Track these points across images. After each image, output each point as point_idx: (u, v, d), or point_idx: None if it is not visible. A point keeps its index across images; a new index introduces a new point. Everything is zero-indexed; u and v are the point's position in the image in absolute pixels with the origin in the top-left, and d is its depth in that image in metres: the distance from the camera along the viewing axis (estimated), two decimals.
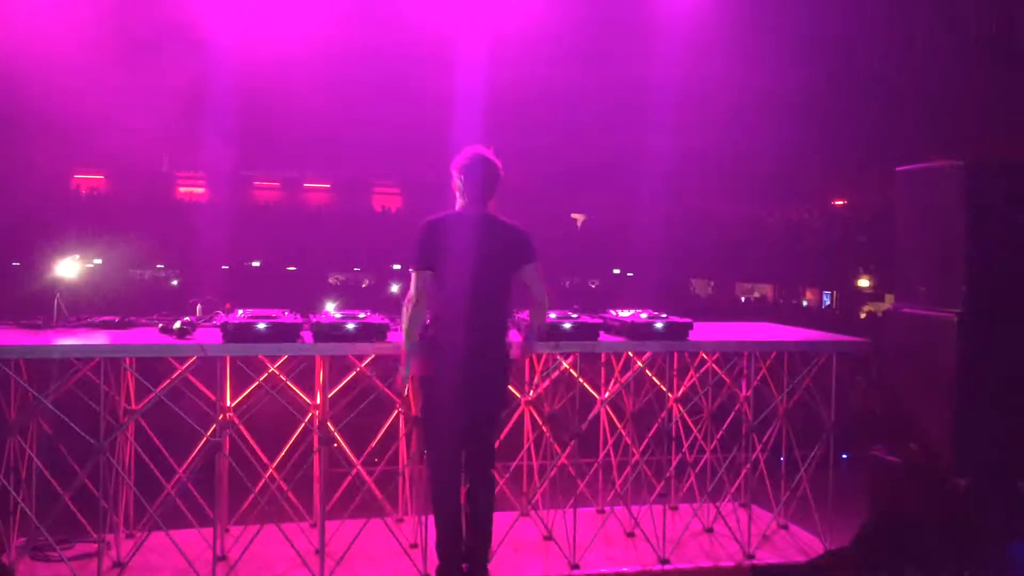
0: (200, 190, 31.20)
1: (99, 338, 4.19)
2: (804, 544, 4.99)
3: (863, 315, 19.69)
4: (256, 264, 27.56)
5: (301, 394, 4.92)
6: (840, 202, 26.20)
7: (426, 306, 4.01)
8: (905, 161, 4.86)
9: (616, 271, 28.62)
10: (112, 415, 4.33)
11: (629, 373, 5.22)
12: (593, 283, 26.40)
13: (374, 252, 28.36)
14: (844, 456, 7.06)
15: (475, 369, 4.02)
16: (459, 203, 4.19)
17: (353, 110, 22.78)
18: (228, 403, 4.45)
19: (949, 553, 4.16)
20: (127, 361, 4.35)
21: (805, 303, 25.82)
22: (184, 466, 4.49)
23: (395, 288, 19.68)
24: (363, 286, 18.78)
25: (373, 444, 5.04)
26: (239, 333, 4.09)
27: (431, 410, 4.15)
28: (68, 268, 4.73)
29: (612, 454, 5.25)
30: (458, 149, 4.26)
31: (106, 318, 4.57)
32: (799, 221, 26.27)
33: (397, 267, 27.80)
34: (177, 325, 4.20)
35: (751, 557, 4.78)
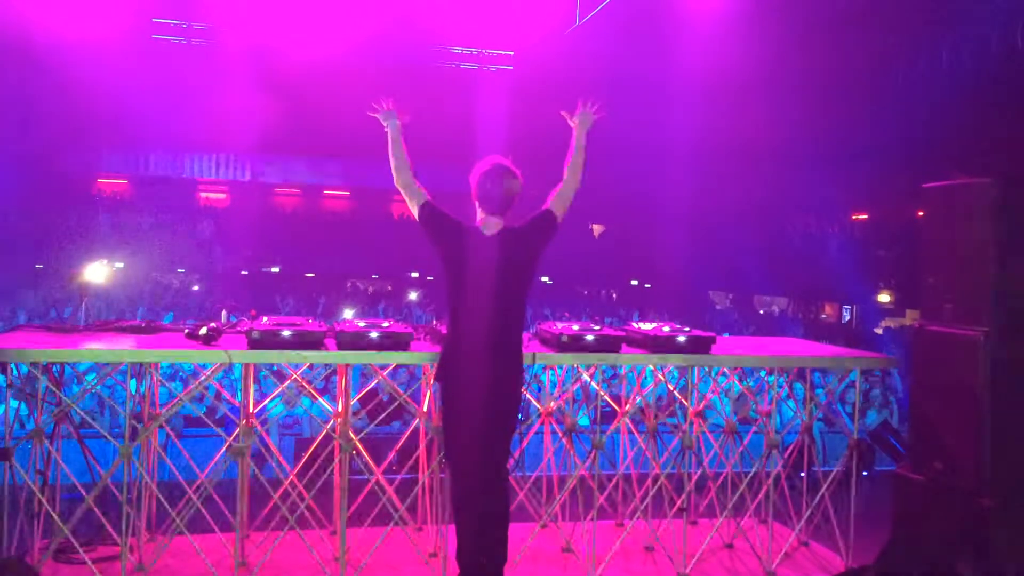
0: (221, 195, 31.42)
1: (125, 343, 4.23)
2: (825, 562, 4.95)
3: (879, 330, 19.53)
4: (275, 270, 27.69)
5: (323, 401, 4.96)
6: (861, 216, 26.06)
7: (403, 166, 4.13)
8: (926, 176, 4.83)
9: (634, 282, 28.55)
10: (137, 419, 4.37)
11: (650, 386, 5.22)
12: (612, 293, 26.36)
13: (393, 259, 28.45)
14: (864, 473, 7.02)
15: (489, 383, 4.02)
16: (478, 215, 4.17)
17: (375, 120, 22.89)
18: (251, 409, 4.47)
19: (972, 573, 4.12)
20: (153, 366, 4.39)
21: (824, 316, 25.66)
22: (206, 471, 4.52)
23: (413, 296, 19.72)
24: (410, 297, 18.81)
25: (393, 452, 5.06)
26: (264, 340, 4.12)
27: (448, 421, 4.16)
28: (95, 272, 4.78)
29: (632, 467, 5.23)
30: (478, 158, 4.23)
31: (132, 323, 4.62)
32: (819, 235, 26.13)
33: (415, 275, 27.87)
34: (203, 331, 4.23)
35: (772, 574, 4.75)
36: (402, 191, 4.15)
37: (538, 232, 4.16)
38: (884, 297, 22.46)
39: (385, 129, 4.21)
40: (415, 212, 4.14)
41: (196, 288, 22.73)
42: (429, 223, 4.11)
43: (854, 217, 26.50)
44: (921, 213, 4.91)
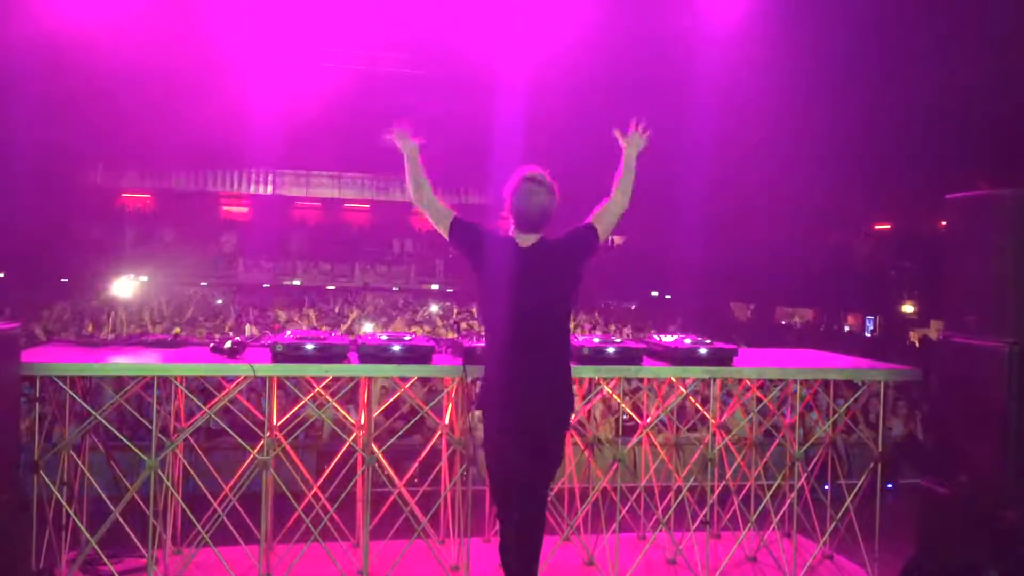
0: (243, 209, 31.72)
1: (151, 357, 4.28)
2: (850, 575, 4.92)
3: (907, 343, 19.34)
4: (296, 282, 27.89)
5: (345, 414, 5.00)
6: (884, 226, 25.88)
7: (425, 186, 3.92)
8: (952, 186, 4.80)
9: (654, 293, 28.50)
10: (163, 432, 4.41)
11: (672, 398, 5.21)
12: (631, 305, 26.31)
13: (412, 271, 28.57)
14: (889, 485, 6.96)
15: (541, 415, 3.76)
16: (512, 229, 3.91)
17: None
18: (275, 422, 4.51)
19: None
20: (178, 379, 4.43)
21: (848, 327, 25.48)
22: (231, 483, 4.56)
23: (434, 308, 19.78)
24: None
25: (415, 465, 5.08)
26: (288, 353, 4.15)
27: (496, 458, 3.85)
28: (122, 287, 4.85)
29: (654, 479, 5.22)
30: (499, 171, 4.10)
31: (158, 337, 4.68)
32: (842, 245, 25.98)
33: (435, 287, 27.96)
34: (228, 345, 4.27)
35: None
36: (425, 212, 3.94)
37: (578, 245, 3.89)
38: (908, 308, 22.28)
39: (401, 152, 4.01)
40: (444, 231, 3.90)
41: (220, 301, 22.92)
42: (461, 239, 3.88)
43: (877, 227, 26.32)
44: (944, 223, 4.88)
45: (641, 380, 5.24)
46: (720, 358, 4.62)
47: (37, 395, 4.28)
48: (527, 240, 3.85)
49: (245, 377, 4.27)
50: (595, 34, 16.50)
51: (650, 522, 5.23)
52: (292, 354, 4.15)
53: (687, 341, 4.70)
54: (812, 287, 22.86)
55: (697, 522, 4.94)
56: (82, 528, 4.21)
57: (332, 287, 27.17)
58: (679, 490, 4.95)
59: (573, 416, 5.04)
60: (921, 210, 21.27)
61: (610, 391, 5.05)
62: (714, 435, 4.95)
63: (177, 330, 5.14)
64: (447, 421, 4.70)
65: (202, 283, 26.25)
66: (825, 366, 5.07)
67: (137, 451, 4.16)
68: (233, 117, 21.99)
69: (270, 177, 30.78)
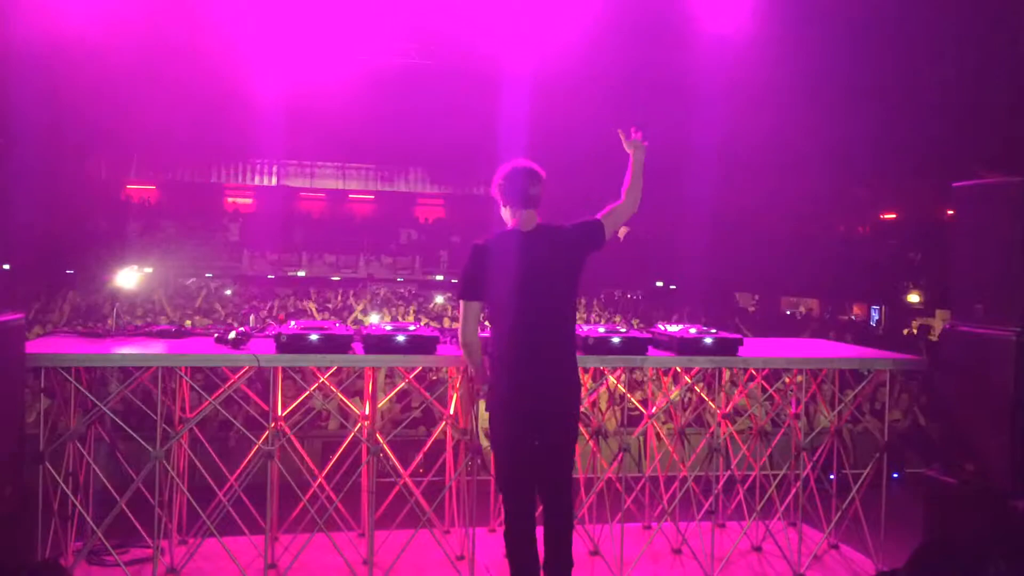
0: (248, 200, 31.71)
1: (156, 347, 4.28)
2: (856, 565, 4.91)
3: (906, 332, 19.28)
4: (301, 273, 27.90)
5: (350, 404, 5.00)
6: (890, 216, 25.80)
7: (476, 335, 3.86)
8: (956, 176, 4.77)
9: (659, 283, 28.43)
10: (168, 423, 4.42)
11: (677, 388, 5.20)
12: (635, 295, 26.25)
13: (416, 262, 28.58)
14: (895, 475, 6.94)
15: (551, 397, 3.78)
16: (510, 218, 3.94)
17: (399, 123, 23.06)
18: (280, 412, 4.50)
19: None
20: (183, 370, 4.43)
21: (853, 317, 25.41)
22: (236, 474, 4.56)
23: (439, 299, 19.75)
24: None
25: (420, 455, 5.08)
26: (292, 344, 4.15)
27: (505, 447, 3.81)
28: (126, 278, 4.85)
29: (659, 469, 5.21)
30: (500, 160, 4.05)
31: (163, 327, 4.68)
32: (847, 235, 25.91)
33: (440, 278, 27.96)
34: (232, 335, 4.27)
35: None
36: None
37: (583, 237, 3.90)
38: (913, 297, 22.20)
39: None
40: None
41: (228, 292, 22.94)
42: (481, 283, 3.83)
43: (883, 217, 26.24)
44: (951, 212, 4.85)
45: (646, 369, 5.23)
46: (725, 347, 4.60)
47: (42, 386, 4.28)
48: (529, 224, 3.87)
49: (249, 368, 4.27)
50: (605, 25, 16.42)
51: (655, 512, 5.24)
52: (296, 344, 4.15)
53: (692, 331, 4.69)
54: (817, 277, 22.79)
55: (702, 512, 4.95)
56: (88, 519, 4.22)
57: (337, 278, 27.17)
58: (684, 480, 4.95)
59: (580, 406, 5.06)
60: (928, 200, 21.17)
61: (615, 381, 5.04)
62: (719, 424, 4.94)
63: (189, 323, 5.15)
64: (452, 411, 4.70)
65: (207, 274, 26.26)
66: (830, 355, 5.05)
67: (142, 442, 4.17)
68: (238, 108, 21.95)
69: (274, 168, 30.79)
